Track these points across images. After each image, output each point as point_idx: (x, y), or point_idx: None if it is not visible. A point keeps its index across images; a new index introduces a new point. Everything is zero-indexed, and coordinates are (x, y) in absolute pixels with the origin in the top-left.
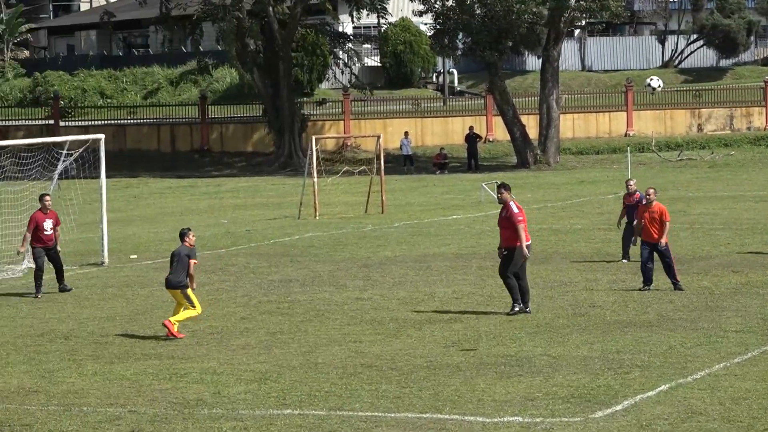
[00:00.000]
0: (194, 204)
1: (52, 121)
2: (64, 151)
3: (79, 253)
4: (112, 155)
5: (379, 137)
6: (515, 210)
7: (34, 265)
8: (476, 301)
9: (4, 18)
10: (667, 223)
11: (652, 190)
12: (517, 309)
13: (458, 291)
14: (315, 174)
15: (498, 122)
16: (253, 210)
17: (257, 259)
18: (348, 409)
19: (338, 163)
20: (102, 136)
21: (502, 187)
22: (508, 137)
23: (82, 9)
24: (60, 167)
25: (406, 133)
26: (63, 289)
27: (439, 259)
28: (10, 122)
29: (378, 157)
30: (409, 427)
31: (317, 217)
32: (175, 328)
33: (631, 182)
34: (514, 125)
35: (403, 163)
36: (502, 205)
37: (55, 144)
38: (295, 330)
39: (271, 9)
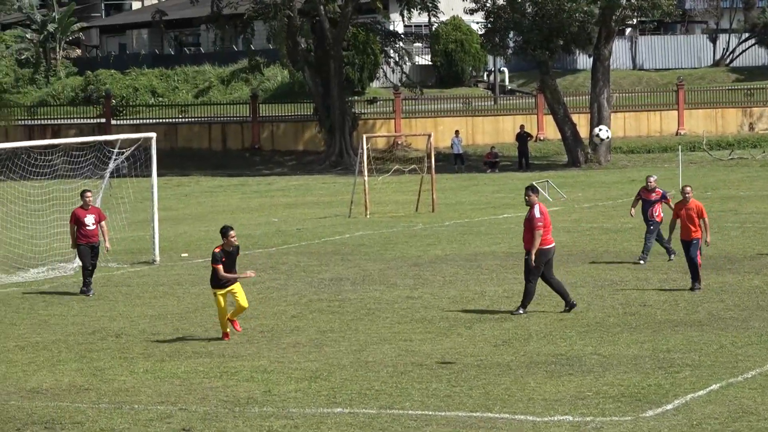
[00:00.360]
0: (245, 202)
1: (103, 120)
2: (116, 150)
3: (130, 252)
4: (163, 154)
5: (429, 136)
6: (537, 215)
7: (75, 264)
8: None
9: (57, 17)
10: (707, 220)
11: (689, 188)
12: (521, 312)
13: (509, 290)
14: (366, 173)
15: (549, 121)
16: (303, 208)
17: (308, 257)
18: (398, 408)
19: (389, 161)
20: (153, 134)
21: (530, 189)
22: (559, 136)
23: (133, 8)
24: (111, 166)
25: (457, 132)
26: (84, 290)
27: (489, 258)
28: (63, 121)
29: (429, 156)
30: (459, 426)
31: (368, 216)
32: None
33: (652, 178)
34: (565, 124)
35: (453, 161)
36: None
37: (106, 142)
38: (346, 328)
39: (322, 8)
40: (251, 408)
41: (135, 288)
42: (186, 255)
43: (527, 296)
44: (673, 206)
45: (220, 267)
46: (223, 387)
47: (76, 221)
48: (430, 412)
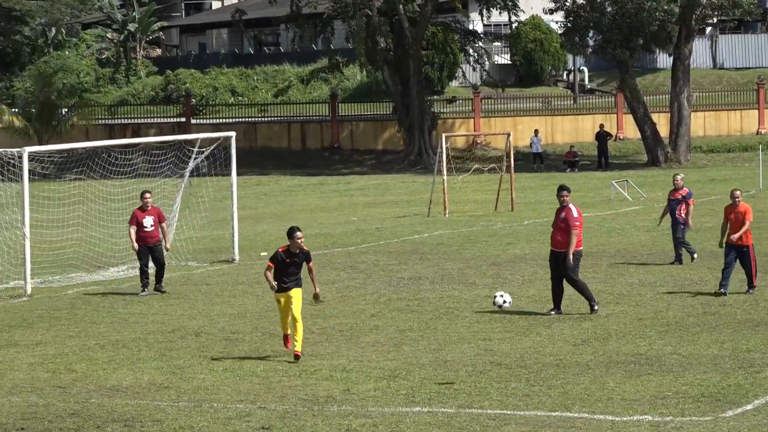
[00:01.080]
0: (324, 201)
1: (183, 119)
2: (196, 149)
3: (209, 250)
4: (242, 153)
5: (509, 135)
6: (575, 214)
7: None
8: (605, 299)
9: (137, 16)
10: (748, 224)
11: (738, 192)
12: (596, 308)
13: None
14: (445, 172)
15: (628, 120)
16: (382, 208)
17: (387, 256)
18: (477, 407)
19: (468, 160)
20: (233, 133)
21: (565, 189)
22: (639, 135)
23: (213, 7)
24: (191, 165)
25: (536, 131)
26: (158, 289)
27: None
28: (143, 120)
29: (508, 155)
30: (538, 425)
31: (447, 215)
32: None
33: (679, 176)
34: (644, 123)
35: (532, 161)
36: (562, 208)
37: (186, 142)
38: (425, 327)
39: (401, 7)
40: (330, 407)
41: (214, 287)
42: (265, 254)
43: (585, 291)
44: (692, 209)
45: (271, 268)
46: (303, 386)
47: (135, 222)
48: (509, 412)
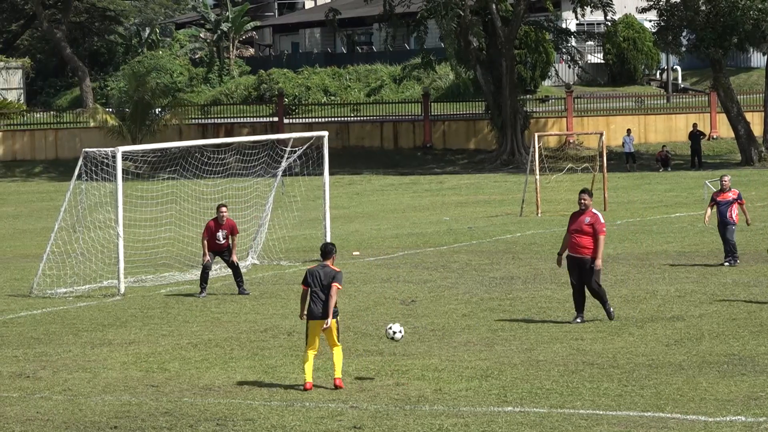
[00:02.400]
0: (416, 201)
1: (276, 119)
2: (288, 149)
3: (302, 250)
4: (335, 152)
5: (601, 134)
6: (602, 219)
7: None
8: (699, 299)
9: (230, 16)
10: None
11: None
12: (612, 311)
13: (681, 289)
14: (537, 171)
15: (722, 120)
16: (475, 207)
17: (479, 256)
18: (569, 407)
19: (560, 160)
20: (325, 133)
21: (587, 193)
22: (732, 135)
23: (306, 7)
24: (284, 164)
25: (629, 131)
26: (242, 293)
27: (661, 257)
28: (235, 120)
29: (601, 155)
30: (631, 426)
31: (539, 215)
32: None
33: (726, 178)
34: (738, 122)
35: (625, 160)
36: (582, 211)
37: (279, 141)
38: (517, 327)
39: (494, 6)
40: (422, 406)
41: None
42: (357, 253)
43: (605, 297)
44: (745, 207)
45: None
46: (394, 385)
47: (209, 235)
48: (601, 412)
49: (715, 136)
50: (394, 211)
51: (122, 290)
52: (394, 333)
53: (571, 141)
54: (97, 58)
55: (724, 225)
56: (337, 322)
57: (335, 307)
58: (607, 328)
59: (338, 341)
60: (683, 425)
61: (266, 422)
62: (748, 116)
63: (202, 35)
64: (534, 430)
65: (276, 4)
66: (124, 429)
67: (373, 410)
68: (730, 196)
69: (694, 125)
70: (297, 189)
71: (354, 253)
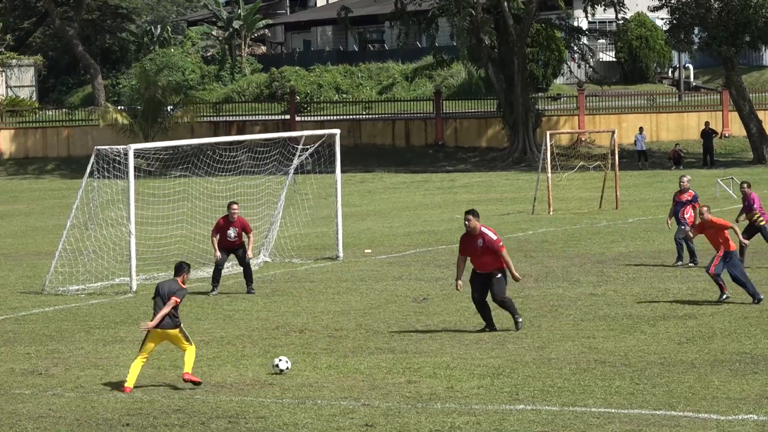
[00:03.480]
0: (428, 199)
1: (288, 116)
2: (300, 146)
3: (314, 247)
4: (347, 150)
5: (613, 132)
6: (494, 237)
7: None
8: (711, 297)
9: (242, 14)
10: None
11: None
12: (520, 320)
13: (692, 287)
14: (549, 169)
15: (734, 118)
16: (486, 205)
17: None
18: (581, 405)
19: (572, 158)
20: (337, 131)
21: (472, 213)
22: (745, 133)
23: (318, 4)
24: (296, 162)
25: (641, 129)
26: (249, 291)
27: (673, 256)
28: (247, 117)
29: (612, 153)
30: (642, 424)
31: (551, 213)
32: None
33: (685, 178)
34: (750, 121)
35: (637, 158)
36: (472, 235)
37: (291, 139)
38: (528, 325)
39: (505, 4)
40: (434, 404)
41: (318, 284)
42: (369, 251)
43: (513, 307)
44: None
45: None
46: (406, 383)
47: (218, 232)
48: (613, 410)
49: (727, 135)
50: (406, 208)
51: (134, 287)
52: (278, 368)
53: (582, 139)
54: (109, 55)
55: (678, 224)
56: (180, 329)
57: (176, 317)
58: (618, 326)
59: (190, 343)
60: (695, 424)
61: (278, 420)
62: (761, 114)
63: (214, 33)
64: (545, 428)
65: (288, 1)
66: (136, 426)
67: (384, 408)
68: (686, 197)
69: (706, 123)
70: (309, 187)
71: (366, 251)
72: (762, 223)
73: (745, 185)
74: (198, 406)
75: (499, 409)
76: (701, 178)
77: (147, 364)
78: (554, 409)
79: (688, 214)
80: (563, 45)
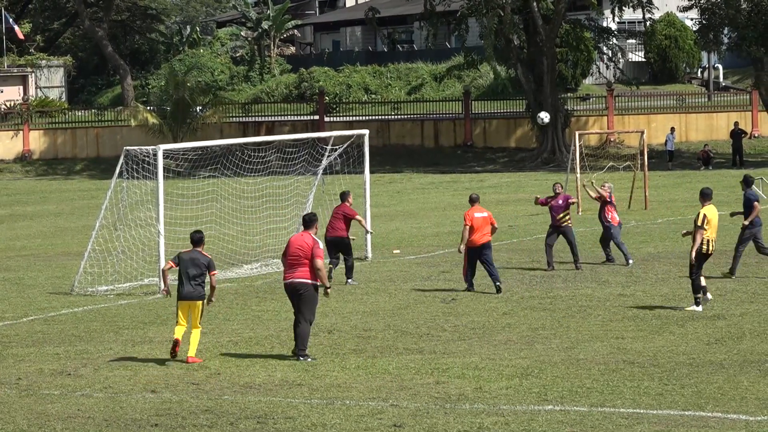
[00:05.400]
0: (456, 199)
1: (317, 117)
2: (329, 147)
3: None
4: (375, 150)
5: (642, 133)
6: (309, 241)
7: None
8: (740, 297)
9: (271, 15)
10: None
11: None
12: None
13: (721, 288)
14: (578, 169)
15: (764, 118)
16: (515, 205)
17: (519, 254)
18: (609, 406)
19: (601, 158)
20: (366, 131)
21: (310, 218)
22: None
23: (347, 5)
24: (324, 162)
25: (672, 129)
26: (348, 282)
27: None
28: (276, 118)
29: (642, 153)
30: (671, 424)
31: (580, 213)
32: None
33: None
34: None
35: (667, 158)
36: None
37: (319, 139)
38: (557, 326)
39: (535, 4)
40: (462, 405)
41: (347, 284)
42: (398, 251)
43: (305, 338)
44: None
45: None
46: (435, 383)
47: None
48: (642, 411)
49: (756, 135)
50: (435, 209)
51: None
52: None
53: (611, 139)
54: (139, 56)
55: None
56: (203, 304)
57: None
58: (647, 326)
59: (199, 324)
60: (724, 424)
61: (306, 420)
62: None
63: (243, 33)
64: (574, 428)
65: (317, 2)
66: (164, 426)
67: (413, 408)
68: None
69: (736, 123)
70: (338, 187)
71: (395, 251)
72: None
73: None
74: (226, 406)
75: (527, 409)
76: (730, 179)
77: (176, 364)
78: (583, 409)
79: (611, 215)
80: (592, 45)
